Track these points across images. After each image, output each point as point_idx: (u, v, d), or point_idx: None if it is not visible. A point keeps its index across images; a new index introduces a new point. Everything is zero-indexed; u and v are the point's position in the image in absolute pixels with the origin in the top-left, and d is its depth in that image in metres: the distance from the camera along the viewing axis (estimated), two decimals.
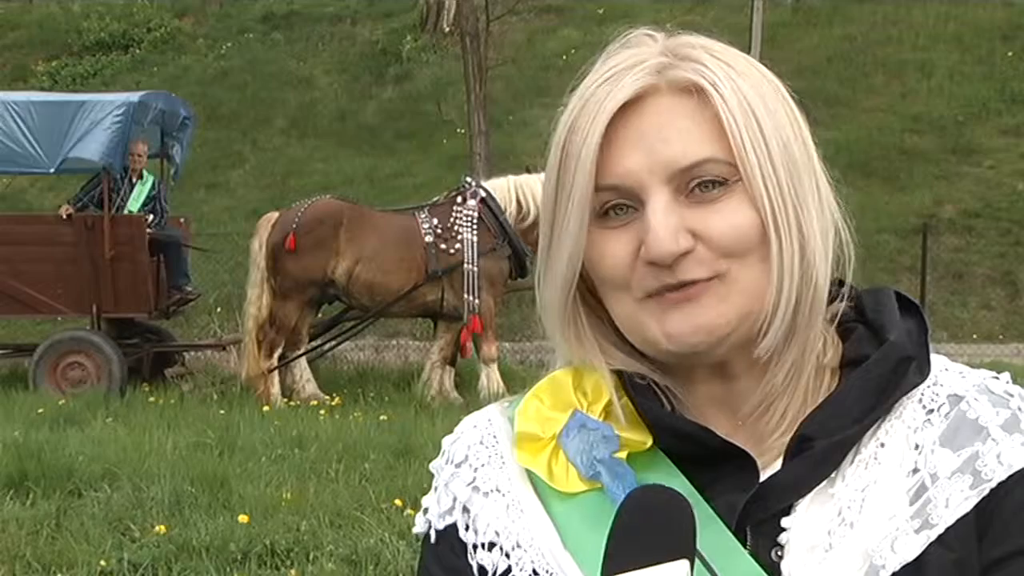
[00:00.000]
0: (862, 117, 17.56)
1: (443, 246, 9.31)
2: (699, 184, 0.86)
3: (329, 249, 9.32)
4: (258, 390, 9.39)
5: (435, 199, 9.96)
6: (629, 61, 0.89)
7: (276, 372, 9.52)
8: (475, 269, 9.21)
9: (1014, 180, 15.92)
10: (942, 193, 15.76)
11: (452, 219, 9.34)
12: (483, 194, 9.31)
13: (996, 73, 18.41)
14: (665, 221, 0.85)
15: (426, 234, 9.33)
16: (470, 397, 9.29)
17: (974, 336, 13.09)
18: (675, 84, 0.88)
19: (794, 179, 0.87)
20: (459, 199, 9.43)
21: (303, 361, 9.72)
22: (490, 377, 9.25)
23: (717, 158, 0.86)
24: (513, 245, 9.26)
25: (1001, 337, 13.22)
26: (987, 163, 16.45)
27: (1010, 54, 18.79)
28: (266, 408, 8.78)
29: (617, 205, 0.88)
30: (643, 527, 0.80)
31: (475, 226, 9.26)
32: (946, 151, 16.69)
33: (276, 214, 9.81)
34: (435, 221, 9.38)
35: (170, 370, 10.79)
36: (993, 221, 15.16)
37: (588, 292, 0.94)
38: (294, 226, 9.34)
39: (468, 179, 9.76)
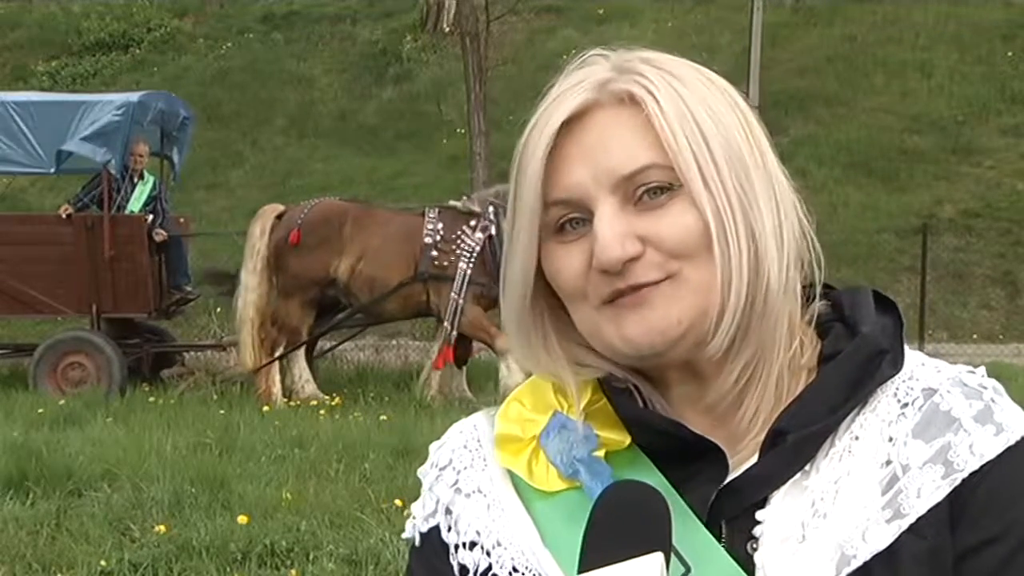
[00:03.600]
0: (862, 117, 17.55)
1: (434, 253, 9.28)
2: (646, 191, 0.88)
3: (332, 248, 9.34)
4: (259, 389, 9.40)
5: (458, 202, 9.91)
6: (575, 79, 0.92)
7: (278, 372, 9.52)
8: (461, 302, 9.18)
9: (1014, 180, 15.93)
10: (942, 193, 15.77)
11: (456, 236, 9.30)
12: (492, 231, 9.22)
13: (996, 73, 18.41)
14: (611, 228, 0.87)
15: (427, 235, 9.33)
16: (481, 396, 9.25)
17: (974, 336, 13.09)
18: (614, 96, 0.90)
19: (742, 180, 0.88)
20: (472, 222, 9.35)
21: (302, 361, 9.72)
22: (511, 367, 9.10)
23: (659, 163, 0.88)
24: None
25: (1001, 337, 13.22)
26: (987, 163, 16.45)
27: (1010, 54, 18.79)
28: (266, 408, 8.78)
29: (571, 219, 0.91)
30: (617, 522, 0.82)
31: (473, 259, 9.22)
32: (946, 151, 16.69)
33: (281, 207, 9.88)
34: (440, 225, 9.35)
35: (168, 371, 10.78)
36: (993, 221, 15.16)
37: (559, 304, 0.95)
38: (299, 222, 9.40)
39: (492, 208, 9.33)
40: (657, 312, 0.87)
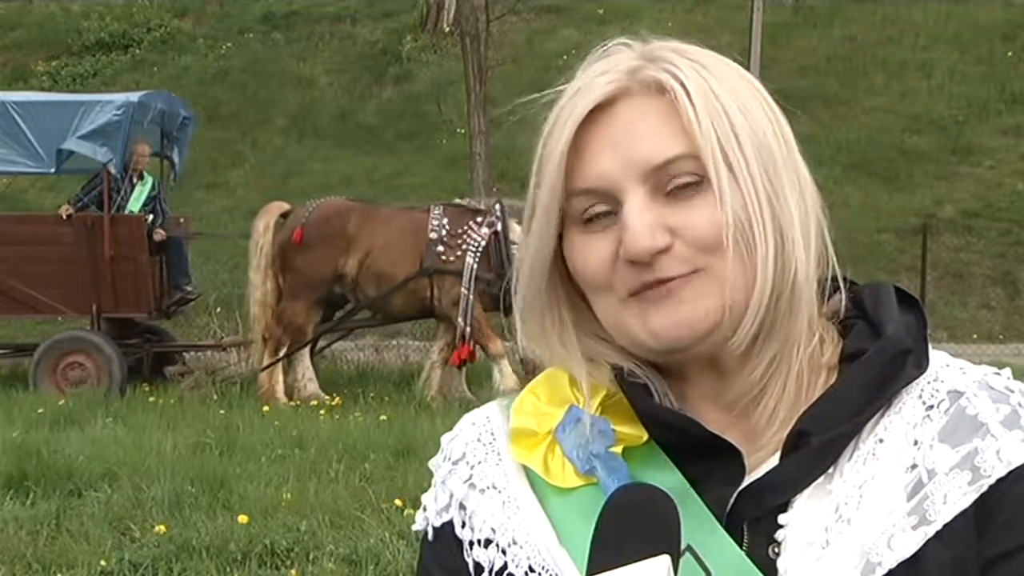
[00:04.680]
0: (862, 117, 17.56)
1: (440, 248, 9.30)
2: (676, 183, 0.87)
3: (338, 246, 9.36)
4: (262, 388, 9.40)
5: (460, 200, 9.93)
6: (602, 68, 0.91)
7: (281, 371, 9.52)
8: (471, 297, 9.18)
9: (1014, 180, 15.93)
10: (942, 193, 15.77)
11: (462, 231, 9.31)
12: (499, 227, 9.24)
13: (996, 73, 18.41)
14: (641, 218, 0.86)
15: (431, 231, 9.34)
16: (481, 396, 9.25)
17: (974, 336, 13.09)
18: (644, 85, 0.89)
19: (770, 173, 0.87)
20: (478, 219, 9.38)
21: (307, 360, 9.73)
22: (503, 372, 9.17)
23: (690, 154, 0.86)
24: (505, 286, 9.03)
25: (1001, 337, 13.22)
26: (987, 163, 16.46)
27: (1010, 54, 18.79)
28: (266, 408, 8.78)
29: (598, 212, 0.89)
30: (624, 525, 0.81)
31: (479, 253, 9.24)
32: (946, 151, 16.70)
33: (286, 205, 9.90)
34: (445, 221, 9.38)
35: (171, 368, 10.79)
36: (993, 221, 15.16)
37: (577, 296, 0.94)
38: (303, 221, 9.43)
39: (498, 206, 9.46)
40: (686, 306, 0.86)
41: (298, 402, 9.28)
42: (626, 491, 0.84)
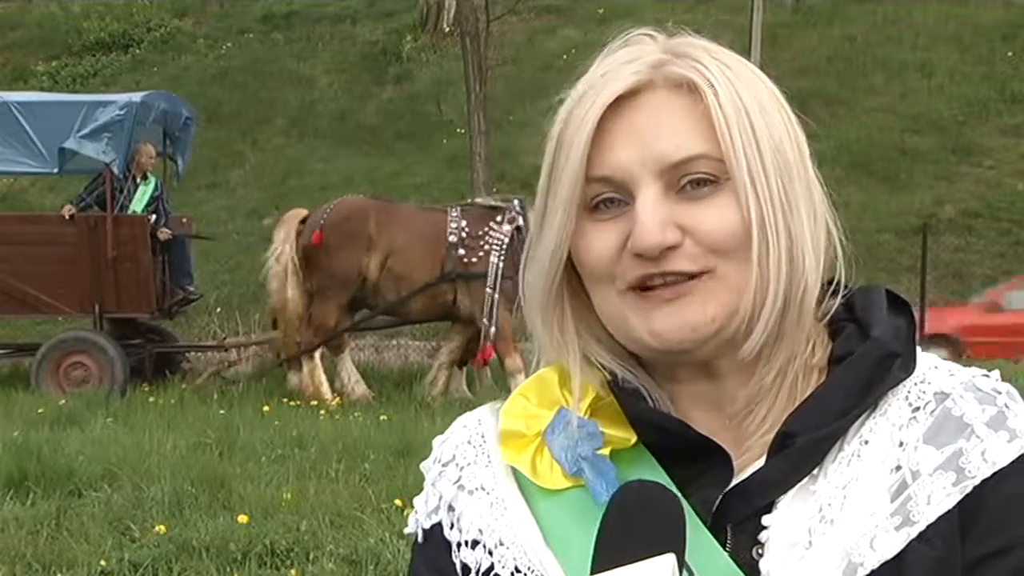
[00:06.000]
0: (862, 117, 17.56)
1: (462, 251, 9.20)
2: (690, 181, 0.86)
3: (360, 245, 9.26)
4: (306, 392, 9.35)
5: (472, 200, 9.91)
6: (627, 57, 0.90)
7: (321, 369, 9.47)
8: (496, 296, 9.07)
9: (1014, 180, 15.94)
10: (942, 193, 15.78)
11: (483, 232, 9.22)
12: (520, 223, 9.16)
13: (996, 73, 18.42)
14: (653, 213, 0.85)
15: (451, 234, 9.27)
16: (479, 396, 9.23)
17: None
18: (671, 80, 0.88)
19: (785, 180, 0.87)
20: (498, 217, 9.30)
21: (349, 364, 9.71)
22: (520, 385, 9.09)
23: (709, 155, 0.86)
24: None
25: None
26: (987, 163, 16.46)
27: (1010, 54, 18.80)
28: (266, 408, 8.77)
29: (608, 198, 0.89)
30: (631, 523, 0.81)
31: (503, 252, 9.13)
32: (946, 151, 16.71)
33: (304, 211, 9.80)
34: (464, 223, 9.28)
35: (186, 366, 10.79)
36: (993, 221, 15.17)
37: (580, 286, 0.94)
38: (321, 223, 9.36)
39: (517, 200, 9.47)
40: (692, 308, 0.86)
41: (298, 403, 9.27)
42: (633, 488, 0.84)
